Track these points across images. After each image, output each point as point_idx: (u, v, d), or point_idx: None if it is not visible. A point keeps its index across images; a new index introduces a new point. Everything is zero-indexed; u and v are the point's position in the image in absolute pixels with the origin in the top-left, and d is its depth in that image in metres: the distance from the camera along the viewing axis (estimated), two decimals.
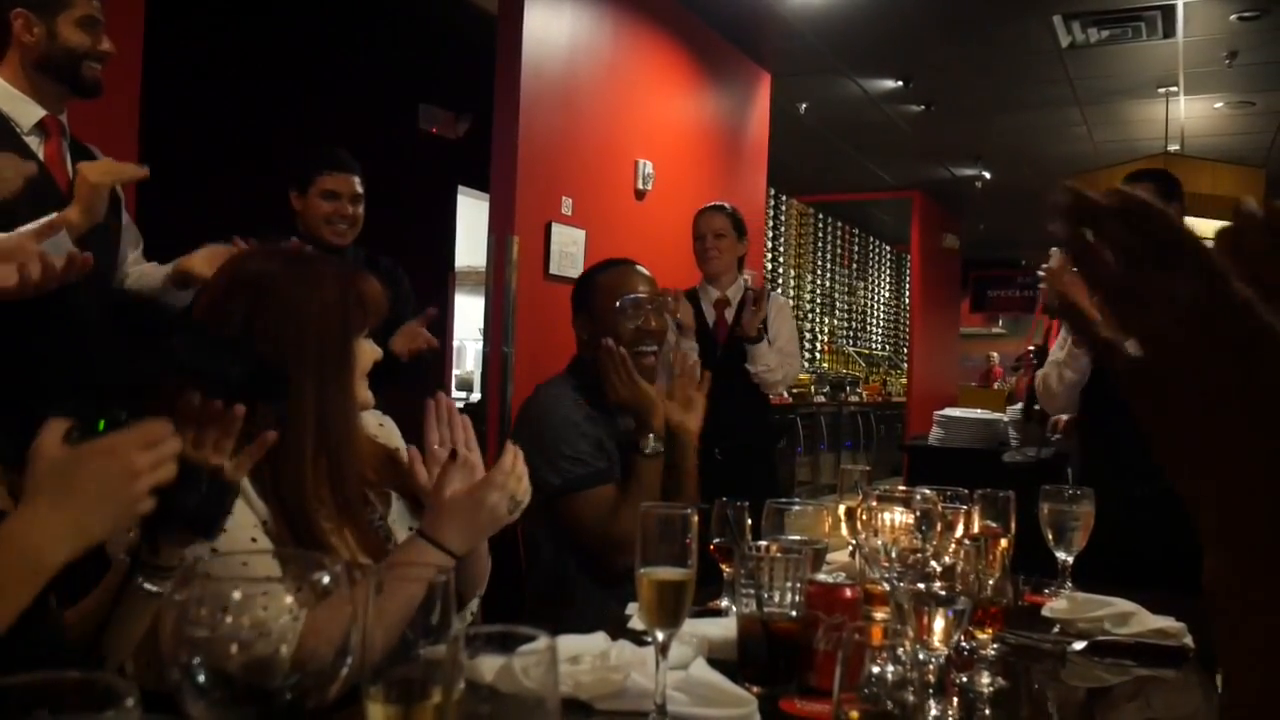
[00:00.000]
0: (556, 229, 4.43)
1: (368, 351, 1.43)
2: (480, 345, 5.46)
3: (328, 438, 1.34)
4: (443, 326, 6.18)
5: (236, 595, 0.71)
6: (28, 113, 2.23)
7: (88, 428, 0.97)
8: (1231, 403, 0.42)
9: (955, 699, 1.24)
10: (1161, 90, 6.36)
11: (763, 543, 1.47)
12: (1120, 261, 0.43)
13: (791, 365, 3.52)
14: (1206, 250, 0.42)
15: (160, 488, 0.99)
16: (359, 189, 3.00)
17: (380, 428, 1.58)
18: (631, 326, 2.09)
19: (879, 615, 1.37)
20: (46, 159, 2.24)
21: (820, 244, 11.23)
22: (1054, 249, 3.55)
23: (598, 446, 2.03)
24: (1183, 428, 0.44)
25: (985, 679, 1.31)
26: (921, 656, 1.11)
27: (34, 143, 2.24)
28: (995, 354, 13.62)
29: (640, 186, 4.98)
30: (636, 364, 2.06)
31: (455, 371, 7.40)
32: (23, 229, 1.79)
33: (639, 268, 2.20)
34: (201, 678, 0.69)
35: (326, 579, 0.75)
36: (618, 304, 2.09)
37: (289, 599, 0.74)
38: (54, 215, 1.89)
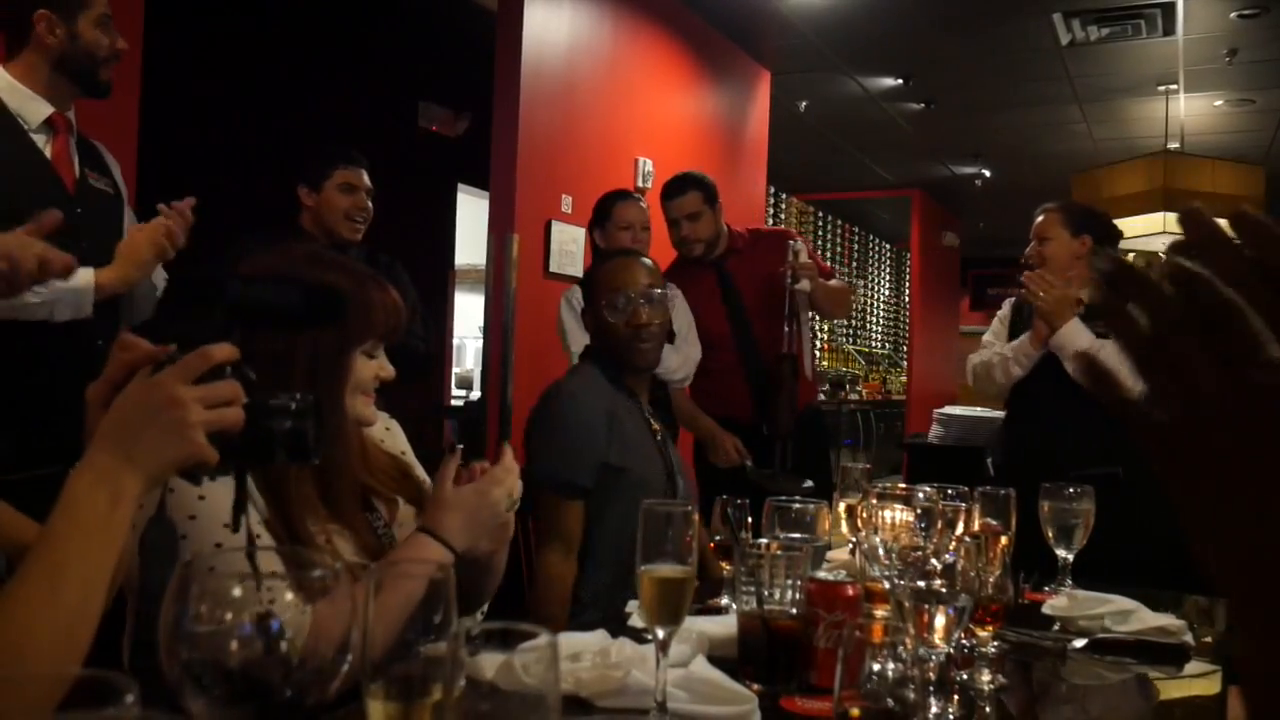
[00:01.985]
0: (556, 227, 4.43)
1: (370, 366, 1.37)
2: (480, 343, 5.46)
3: None
4: (442, 325, 6.19)
5: (238, 592, 0.71)
6: (36, 110, 2.21)
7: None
8: (1271, 468, 0.41)
9: (956, 697, 1.24)
10: (1161, 88, 6.36)
11: (763, 540, 1.47)
12: (1156, 326, 0.44)
13: (692, 354, 3.39)
14: (1250, 316, 0.42)
15: (256, 425, 0.98)
16: (369, 183, 3.06)
17: (387, 432, 1.56)
18: (622, 322, 2.09)
19: (879, 613, 1.37)
20: (54, 157, 2.23)
21: (820, 242, 11.22)
22: (794, 242, 3.52)
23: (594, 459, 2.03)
24: (1215, 492, 0.43)
25: (986, 676, 1.31)
26: (922, 654, 1.11)
27: (40, 140, 2.22)
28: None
29: (640, 184, 4.97)
30: (634, 358, 2.10)
31: (455, 370, 7.39)
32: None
33: (640, 260, 2.19)
34: (202, 674, 0.69)
35: (327, 576, 0.75)
36: (604, 302, 2.10)
37: (290, 596, 0.74)
38: (52, 211, 1.88)
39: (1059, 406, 2.74)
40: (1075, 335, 2.70)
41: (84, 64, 2.24)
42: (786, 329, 3.43)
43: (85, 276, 2.06)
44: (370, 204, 3.07)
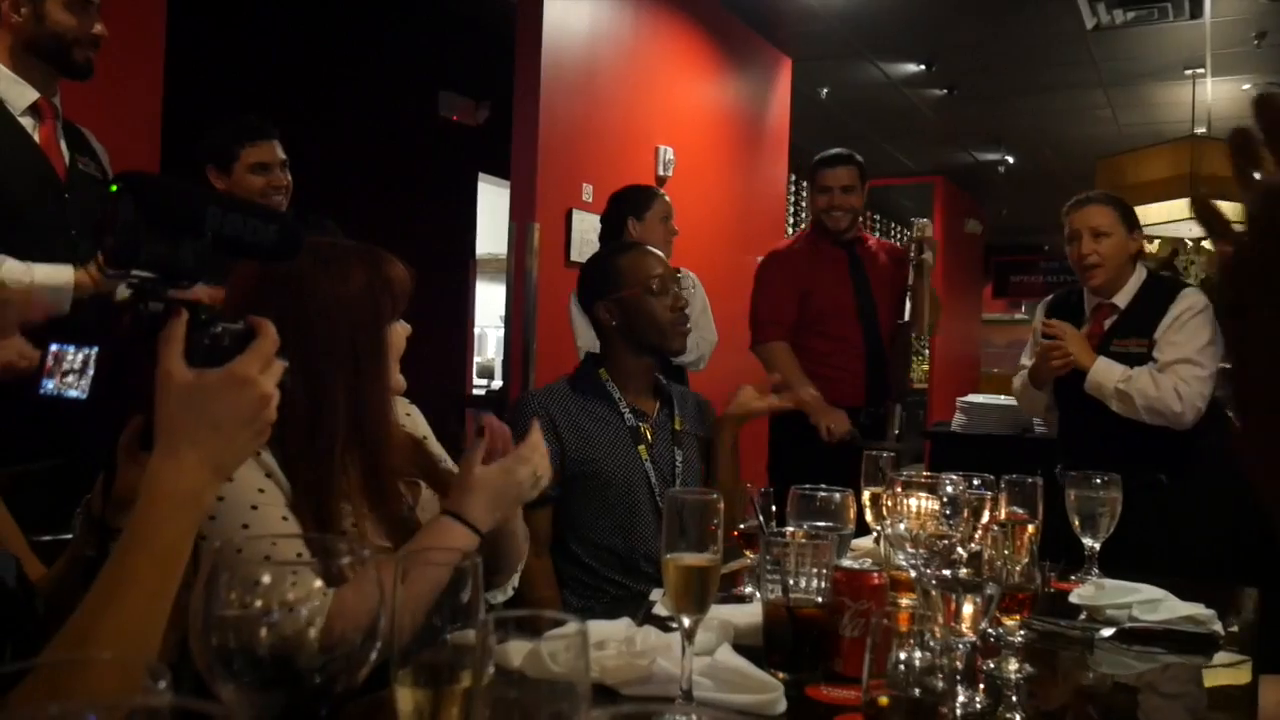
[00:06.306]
0: (577, 216, 4.42)
1: (400, 334, 1.41)
2: (501, 333, 5.46)
3: (363, 434, 1.33)
4: (464, 314, 6.21)
5: (266, 578, 0.71)
6: (22, 95, 2.19)
7: (194, 328, 0.90)
8: None
9: (982, 686, 1.24)
10: (1188, 72, 6.27)
11: (789, 529, 1.46)
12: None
13: (707, 339, 3.42)
14: None
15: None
16: (283, 154, 2.84)
17: (408, 417, 1.57)
18: (668, 306, 2.08)
19: (905, 601, 1.36)
20: (41, 142, 2.22)
21: None
22: (922, 219, 3.74)
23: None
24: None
25: (1013, 665, 1.30)
26: (949, 643, 1.11)
27: (28, 124, 2.20)
28: None
29: (661, 173, 4.96)
30: (675, 342, 2.11)
31: (476, 359, 7.41)
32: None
33: (650, 248, 2.20)
34: (232, 660, 0.69)
35: (354, 562, 0.75)
36: (649, 287, 2.07)
37: (317, 582, 0.74)
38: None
39: (1095, 416, 2.66)
40: (1108, 373, 2.62)
41: (51, 45, 2.20)
42: (909, 301, 3.59)
43: (65, 274, 2.02)
44: (287, 176, 2.83)
